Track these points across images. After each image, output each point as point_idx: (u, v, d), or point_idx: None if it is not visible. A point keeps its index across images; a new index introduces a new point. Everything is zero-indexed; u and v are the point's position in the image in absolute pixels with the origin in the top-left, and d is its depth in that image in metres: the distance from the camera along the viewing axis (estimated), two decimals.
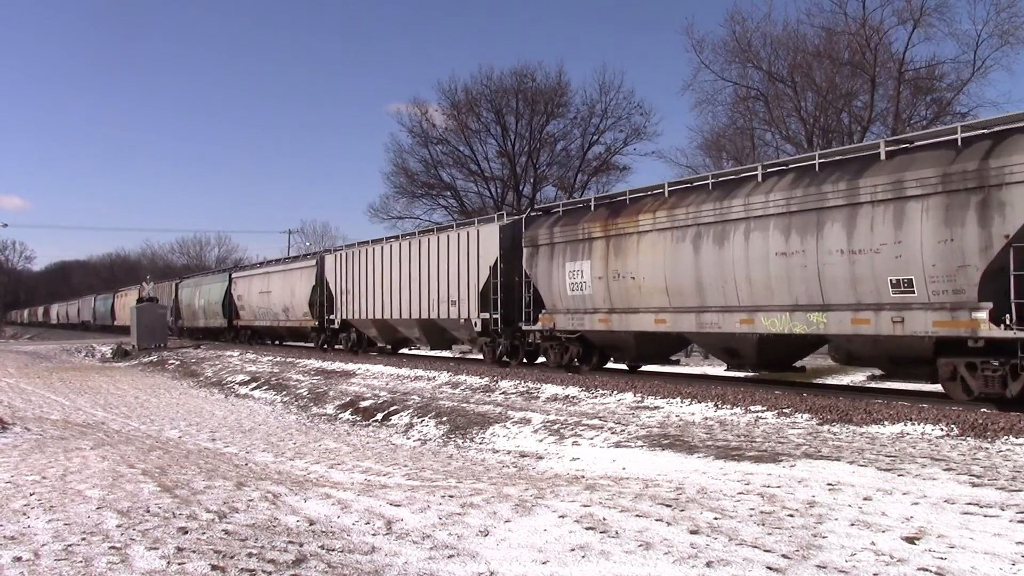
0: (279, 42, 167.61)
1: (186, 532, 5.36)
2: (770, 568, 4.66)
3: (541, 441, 10.85)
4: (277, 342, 37.43)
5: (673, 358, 17.58)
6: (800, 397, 12.24)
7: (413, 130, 46.18)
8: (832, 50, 31.95)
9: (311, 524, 5.79)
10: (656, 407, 12.31)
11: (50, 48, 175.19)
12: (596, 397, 13.68)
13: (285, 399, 18.72)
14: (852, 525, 5.54)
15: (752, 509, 6.06)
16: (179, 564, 4.61)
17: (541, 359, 19.92)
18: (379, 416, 14.78)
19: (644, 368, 18.32)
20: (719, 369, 18.96)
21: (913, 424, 9.62)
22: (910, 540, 5.16)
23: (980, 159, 10.55)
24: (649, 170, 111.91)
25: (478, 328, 20.48)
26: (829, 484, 6.86)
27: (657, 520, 5.77)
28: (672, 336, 15.91)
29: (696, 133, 60.08)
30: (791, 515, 5.85)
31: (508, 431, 11.73)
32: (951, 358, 11.23)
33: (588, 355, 18.13)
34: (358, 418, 15.15)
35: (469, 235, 21.06)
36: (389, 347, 27.76)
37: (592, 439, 10.36)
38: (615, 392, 13.78)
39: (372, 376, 19.99)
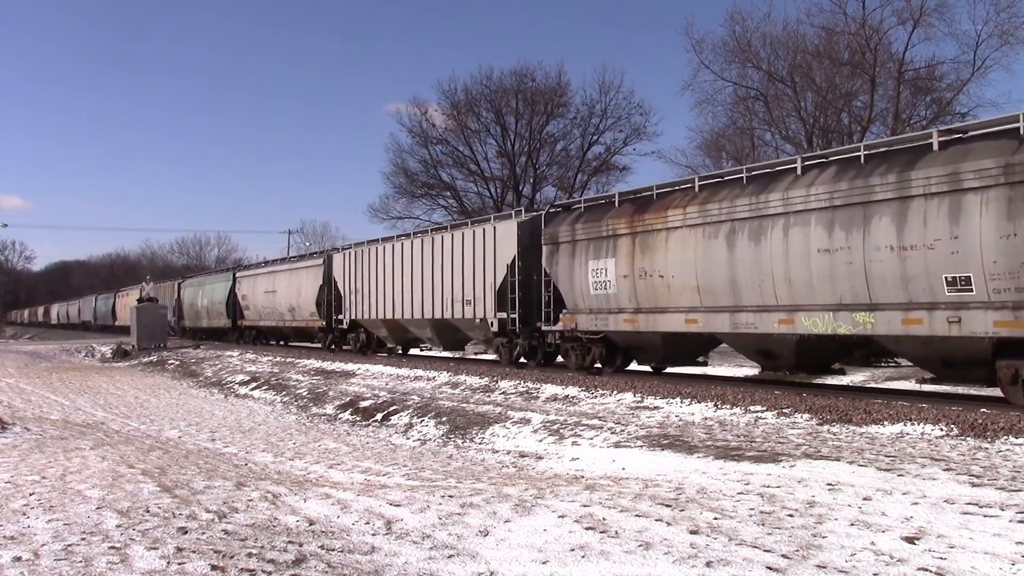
0: (279, 42, 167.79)
1: (186, 532, 5.36)
2: (770, 568, 4.67)
3: (541, 441, 10.85)
4: (282, 343, 36.90)
5: (700, 360, 16.89)
6: (800, 397, 12.23)
7: (413, 130, 46.24)
8: (832, 50, 31.94)
9: (311, 524, 5.79)
10: (656, 407, 12.31)
11: (50, 48, 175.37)
12: (596, 397, 13.68)
13: (285, 399, 18.72)
14: (852, 525, 5.54)
15: (752, 509, 6.06)
16: (179, 564, 4.61)
17: (560, 360, 19.23)
18: (379, 416, 14.78)
19: (670, 370, 17.64)
20: (747, 370, 18.82)
21: (913, 424, 9.62)
22: (910, 540, 5.16)
23: None
24: (649, 170, 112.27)
25: (495, 328, 19.89)
26: (829, 484, 6.86)
27: (657, 520, 5.77)
28: (704, 337, 15.32)
29: (696, 133, 60.09)
30: (791, 515, 5.85)
31: (508, 431, 11.73)
32: (1012, 360, 10.63)
33: (611, 357, 17.49)
34: (358, 418, 15.15)
35: (485, 232, 20.39)
36: (399, 348, 27.22)
37: (592, 439, 10.36)
38: (615, 392, 13.78)
39: (372, 376, 19.98)
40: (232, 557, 4.76)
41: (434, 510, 6.24)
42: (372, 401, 16.02)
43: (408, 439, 12.71)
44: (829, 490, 6.65)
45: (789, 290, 12.83)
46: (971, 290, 10.64)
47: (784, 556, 4.87)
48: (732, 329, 13.94)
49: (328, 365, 23.16)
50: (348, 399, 16.77)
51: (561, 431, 11.04)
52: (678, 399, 12.60)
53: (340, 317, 28.33)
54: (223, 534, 5.35)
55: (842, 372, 14.79)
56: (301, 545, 5.14)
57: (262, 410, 17.53)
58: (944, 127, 11.49)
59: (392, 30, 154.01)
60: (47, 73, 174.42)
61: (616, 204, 16.80)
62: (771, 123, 34.67)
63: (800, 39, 33.12)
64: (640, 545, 5.13)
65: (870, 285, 11.73)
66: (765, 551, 4.97)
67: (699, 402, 12.22)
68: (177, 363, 30.17)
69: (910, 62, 31.20)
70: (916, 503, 6.11)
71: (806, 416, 10.65)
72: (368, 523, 5.86)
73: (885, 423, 9.83)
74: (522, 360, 19.71)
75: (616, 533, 5.43)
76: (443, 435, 12.45)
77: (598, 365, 17.54)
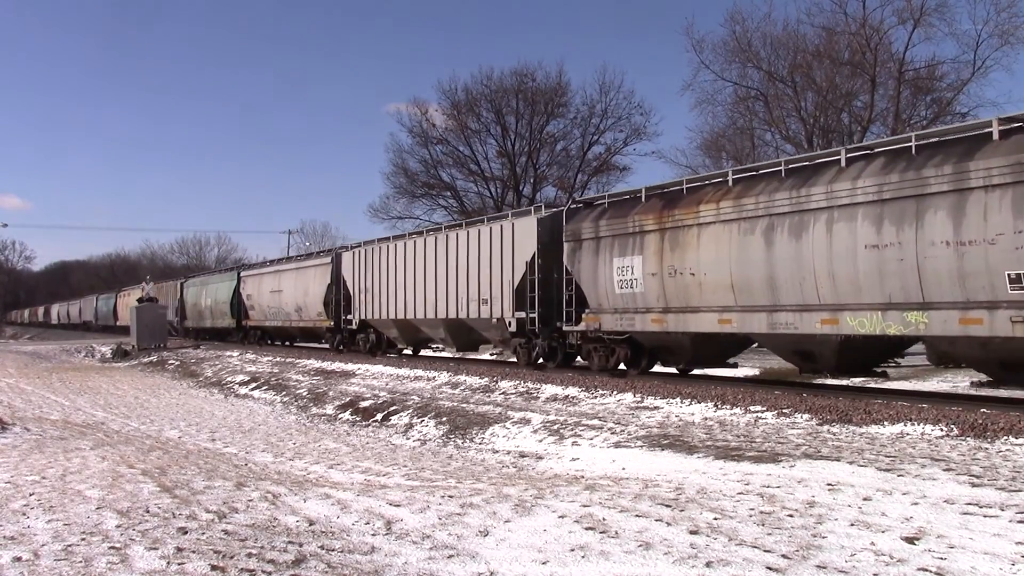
0: (278, 42, 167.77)
1: (186, 532, 5.36)
2: (770, 568, 4.67)
3: (541, 441, 10.86)
4: (288, 343, 36.23)
5: (730, 361, 16.27)
6: (800, 397, 12.23)
7: (413, 130, 46.28)
8: (832, 50, 31.98)
9: (311, 524, 5.79)
10: (656, 407, 12.31)
11: (50, 48, 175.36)
12: (596, 397, 13.68)
13: (285, 399, 18.72)
14: (852, 525, 5.54)
15: (752, 509, 6.06)
16: (179, 564, 4.61)
17: (580, 362, 18.71)
18: (379, 416, 14.78)
19: (704, 372, 16.99)
20: (747, 370, 18.60)
21: (913, 424, 9.62)
22: (910, 540, 5.16)
23: None
24: (649, 170, 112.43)
25: (512, 328, 19.16)
26: (829, 484, 6.86)
27: (657, 520, 5.77)
28: (738, 337, 14.75)
29: (696, 133, 60.14)
30: (791, 515, 5.85)
31: (508, 431, 11.73)
32: None
33: (636, 358, 16.81)
34: (358, 418, 15.15)
35: (503, 229, 19.65)
36: (410, 349, 26.64)
37: (592, 439, 10.36)
38: (615, 392, 13.78)
39: (372, 376, 19.99)
40: (232, 557, 4.76)
41: (434, 510, 6.24)
42: (372, 401, 16.02)
43: (408, 439, 12.71)
44: (829, 490, 6.65)
45: (833, 288, 12.17)
46: None
47: (784, 556, 4.87)
48: (769, 330, 13.25)
49: (328, 365, 23.16)
50: (348, 399, 16.77)
51: (561, 431, 11.04)
52: (678, 399, 12.60)
53: (349, 317, 27.60)
54: (223, 534, 5.35)
55: (885, 375, 14.16)
56: (301, 545, 5.14)
57: (262, 410, 17.53)
58: (1004, 115, 10.87)
59: (392, 30, 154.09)
60: (47, 73, 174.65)
61: (643, 199, 16.08)
62: (771, 123, 34.72)
63: (800, 39, 33.21)
64: (640, 545, 5.13)
65: (923, 283, 11.06)
66: (765, 551, 4.97)
67: (699, 402, 12.21)
68: (177, 363, 30.17)
69: (910, 62, 31.28)
70: (916, 503, 6.11)
71: (806, 416, 10.65)
72: (368, 523, 5.86)
73: (885, 423, 9.83)
74: (540, 362, 19.15)
75: (616, 533, 5.43)
76: (443, 435, 12.45)
77: (622, 367, 16.97)
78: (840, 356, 12.94)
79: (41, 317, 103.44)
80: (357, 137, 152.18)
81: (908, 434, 9.26)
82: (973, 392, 12.86)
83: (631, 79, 64.79)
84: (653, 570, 4.69)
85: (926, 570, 4.63)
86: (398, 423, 13.97)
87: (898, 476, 7.08)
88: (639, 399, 13.06)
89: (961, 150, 10.91)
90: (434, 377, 18.19)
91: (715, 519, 5.78)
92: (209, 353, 32.59)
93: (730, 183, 14.24)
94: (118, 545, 5.00)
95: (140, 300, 42.34)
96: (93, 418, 15.54)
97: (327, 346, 30.50)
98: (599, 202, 17.72)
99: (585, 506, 6.28)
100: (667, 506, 6.24)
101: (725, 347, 15.64)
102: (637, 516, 5.91)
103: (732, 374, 16.40)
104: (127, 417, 15.97)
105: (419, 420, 13.66)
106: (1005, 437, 8.67)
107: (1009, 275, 10.19)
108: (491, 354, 25.86)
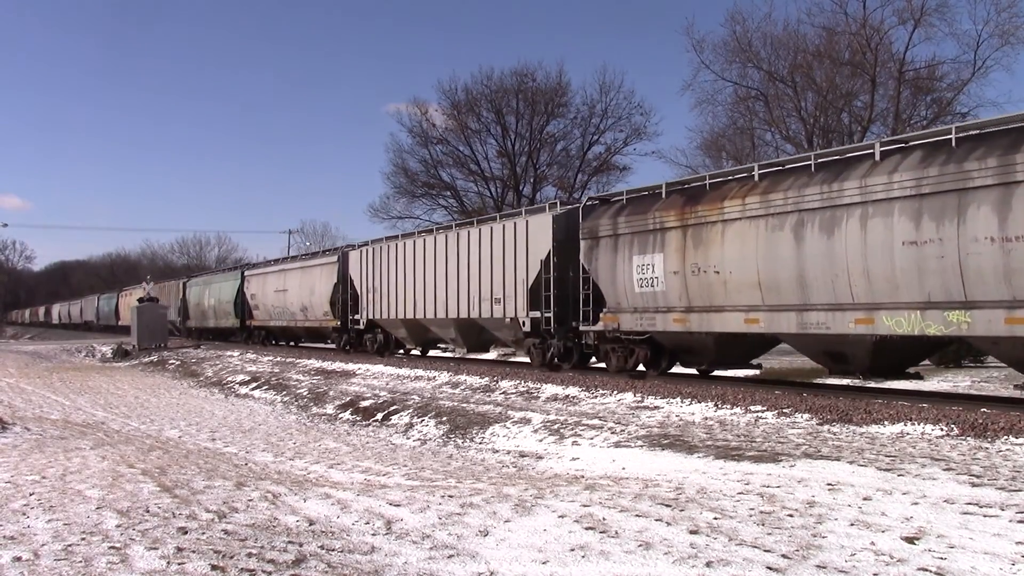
0: (278, 42, 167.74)
1: (186, 532, 5.36)
2: (770, 568, 4.67)
3: (541, 441, 10.86)
4: (293, 343, 35.80)
5: (754, 362, 15.84)
6: (800, 397, 12.23)
7: (413, 130, 46.26)
8: (832, 50, 31.98)
9: (311, 524, 5.79)
10: (656, 407, 12.31)
11: (50, 48, 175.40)
12: (596, 397, 13.69)
13: (285, 399, 18.73)
14: (852, 525, 5.54)
15: (752, 509, 6.06)
16: (179, 564, 4.61)
17: (595, 363, 18.26)
18: (379, 416, 14.78)
19: (724, 373, 16.49)
20: (746, 370, 18.45)
21: (913, 424, 9.63)
22: (910, 540, 5.16)
23: None
24: (649, 170, 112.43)
25: (527, 328, 18.73)
26: (829, 484, 6.86)
27: (657, 520, 5.77)
28: (766, 338, 14.31)
29: (696, 133, 60.16)
30: (791, 515, 5.85)
31: (508, 431, 11.73)
32: None
33: (656, 359, 16.29)
34: (358, 418, 15.15)
35: (517, 226, 19.17)
36: (419, 350, 26.25)
37: (592, 439, 10.37)
38: (615, 392, 13.79)
39: (372, 376, 19.99)
40: (232, 557, 4.77)
41: (434, 510, 6.25)
42: (372, 401, 16.03)
43: (408, 439, 12.71)
44: (829, 490, 6.66)
45: (868, 287, 11.71)
46: None
47: (784, 556, 4.87)
48: (799, 330, 12.76)
49: (328, 365, 23.17)
50: (348, 399, 16.78)
51: (561, 431, 11.04)
52: (678, 399, 12.60)
53: (356, 317, 27.19)
54: (223, 534, 5.36)
55: (918, 376, 13.57)
56: (301, 545, 5.15)
57: (262, 410, 17.54)
58: None
59: (392, 30, 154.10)
60: (47, 73, 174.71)
61: (663, 195, 15.58)
62: (771, 123, 34.71)
63: (801, 39, 33.19)
64: (640, 545, 5.13)
65: (965, 281, 10.60)
66: (765, 551, 4.97)
67: (699, 402, 12.22)
68: (177, 363, 30.18)
69: (910, 62, 31.28)
70: (916, 503, 6.11)
71: (806, 416, 10.65)
72: (368, 523, 5.86)
73: (885, 423, 9.83)
74: (555, 362, 18.69)
75: (616, 533, 5.43)
76: (443, 435, 12.46)
77: (641, 368, 16.46)
78: (874, 357, 12.53)
79: (42, 317, 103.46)
80: (357, 137, 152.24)
81: (908, 434, 9.26)
82: (974, 392, 12.85)
83: (631, 79, 64.93)
84: (653, 570, 4.69)
85: (926, 570, 4.63)
86: (398, 423, 13.98)
87: (898, 476, 7.08)
88: (639, 399, 13.06)
89: (1006, 142, 10.49)
90: (434, 377, 18.19)
91: (715, 519, 5.78)
92: (209, 353, 32.60)
93: (756, 178, 13.80)
94: (118, 545, 5.00)
95: (140, 300, 42.28)
96: (93, 418, 15.55)
97: (333, 346, 30.15)
98: (617, 199, 17.21)
99: (585, 506, 6.28)
100: (667, 506, 6.24)
101: (750, 348, 15.29)
102: (637, 516, 5.91)
103: (732, 374, 16.36)
104: (127, 417, 15.97)
105: (419, 420, 13.66)
106: (1005, 437, 8.67)
107: None
108: (498, 355, 25.49)
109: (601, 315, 16.77)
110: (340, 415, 15.76)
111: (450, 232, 22.30)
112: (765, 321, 13.24)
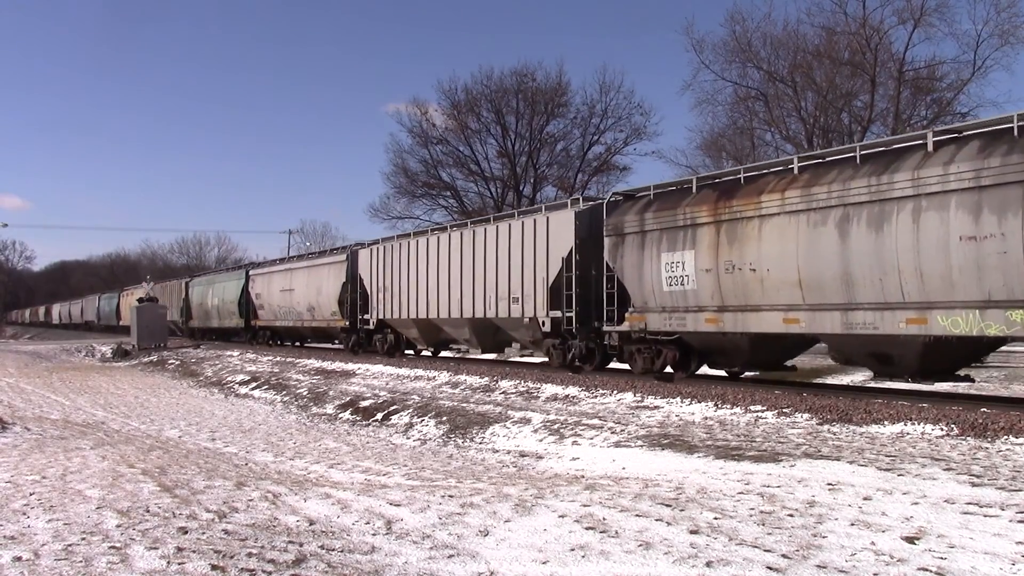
0: (279, 42, 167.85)
1: (186, 532, 5.36)
2: (770, 568, 4.67)
3: (541, 441, 10.86)
4: (299, 344, 35.24)
5: (788, 364, 15.26)
6: (800, 397, 12.23)
7: (413, 130, 46.30)
8: (832, 50, 32.00)
9: (311, 524, 5.79)
10: (656, 407, 12.31)
11: (50, 48, 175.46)
12: (596, 397, 13.69)
13: (285, 399, 18.73)
14: (852, 525, 5.54)
15: (752, 509, 6.06)
16: (179, 564, 4.61)
17: (616, 364, 17.66)
18: (379, 416, 14.78)
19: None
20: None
21: (913, 424, 9.63)
22: (910, 540, 5.16)
23: None
24: (649, 170, 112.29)
25: (546, 328, 18.14)
26: (829, 484, 6.86)
27: (657, 520, 5.77)
28: (806, 338, 13.78)
29: (696, 133, 60.23)
30: (791, 515, 5.85)
31: (508, 431, 11.73)
32: None
33: (684, 360, 15.66)
34: (358, 418, 15.15)
35: (537, 223, 18.53)
36: (430, 350, 25.72)
37: (592, 439, 10.37)
38: (615, 392, 13.79)
39: (372, 376, 19.99)
40: (232, 557, 4.76)
41: (434, 510, 6.24)
42: (372, 401, 16.03)
43: (408, 439, 12.71)
44: (829, 490, 6.66)
45: (920, 285, 11.09)
46: None
47: (784, 556, 4.87)
48: (844, 330, 12.12)
49: (328, 365, 23.16)
50: (348, 399, 16.78)
51: (561, 431, 11.04)
52: (678, 399, 12.60)
53: (366, 317, 26.50)
54: (223, 534, 5.36)
55: (969, 379, 12.95)
56: (301, 545, 5.14)
57: (262, 410, 17.53)
58: None
59: (392, 30, 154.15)
60: (47, 73, 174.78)
61: (694, 190, 14.98)
62: (771, 123, 34.75)
63: (800, 39, 33.24)
64: (640, 545, 5.13)
65: None
66: (765, 551, 4.97)
67: (699, 402, 12.22)
68: (177, 363, 30.18)
69: (910, 62, 31.32)
70: (916, 503, 6.11)
71: (806, 416, 10.65)
72: (368, 523, 5.86)
73: (885, 423, 9.83)
74: (577, 364, 18.01)
75: (616, 533, 5.43)
76: (443, 435, 12.46)
77: (669, 369, 15.78)
78: (923, 359, 11.89)
79: (42, 317, 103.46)
80: (357, 137, 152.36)
81: (908, 433, 9.26)
82: (974, 391, 12.85)
83: (631, 79, 64.91)
84: (653, 570, 4.69)
85: (926, 570, 4.63)
86: (398, 423, 13.98)
87: (898, 476, 7.08)
88: (639, 399, 13.06)
89: None
90: (434, 377, 18.19)
91: (715, 519, 5.78)
92: (209, 353, 32.59)
93: (795, 171, 13.18)
94: (118, 545, 5.00)
95: (140, 300, 42.21)
96: (93, 417, 15.55)
97: (341, 347, 29.55)
98: (643, 194, 16.52)
99: (585, 506, 6.28)
100: (667, 506, 6.24)
101: (786, 349, 14.77)
102: (637, 516, 5.91)
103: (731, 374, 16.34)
104: (127, 417, 15.97)
105: (419, 420, 13.66)
106: (1005, 437, 8.67)
107: None
108: (518, 355, 25.09)
109: (627, 315, 16.12)
110: (340, 415, 15.76)
111: (465, 230, 21.70)
112: (806, 321, 12.65)
